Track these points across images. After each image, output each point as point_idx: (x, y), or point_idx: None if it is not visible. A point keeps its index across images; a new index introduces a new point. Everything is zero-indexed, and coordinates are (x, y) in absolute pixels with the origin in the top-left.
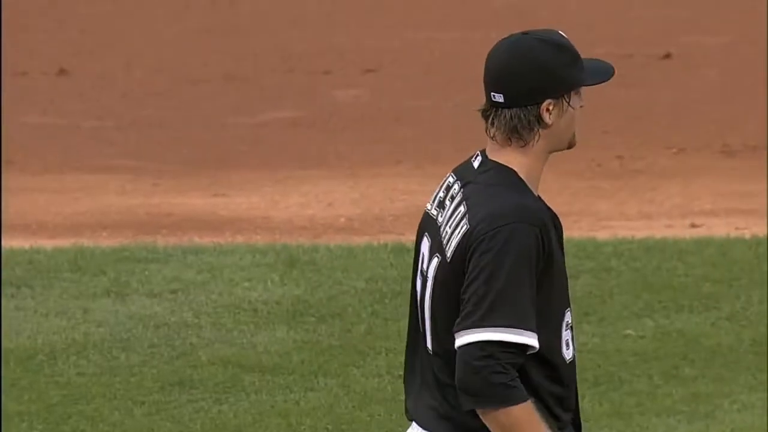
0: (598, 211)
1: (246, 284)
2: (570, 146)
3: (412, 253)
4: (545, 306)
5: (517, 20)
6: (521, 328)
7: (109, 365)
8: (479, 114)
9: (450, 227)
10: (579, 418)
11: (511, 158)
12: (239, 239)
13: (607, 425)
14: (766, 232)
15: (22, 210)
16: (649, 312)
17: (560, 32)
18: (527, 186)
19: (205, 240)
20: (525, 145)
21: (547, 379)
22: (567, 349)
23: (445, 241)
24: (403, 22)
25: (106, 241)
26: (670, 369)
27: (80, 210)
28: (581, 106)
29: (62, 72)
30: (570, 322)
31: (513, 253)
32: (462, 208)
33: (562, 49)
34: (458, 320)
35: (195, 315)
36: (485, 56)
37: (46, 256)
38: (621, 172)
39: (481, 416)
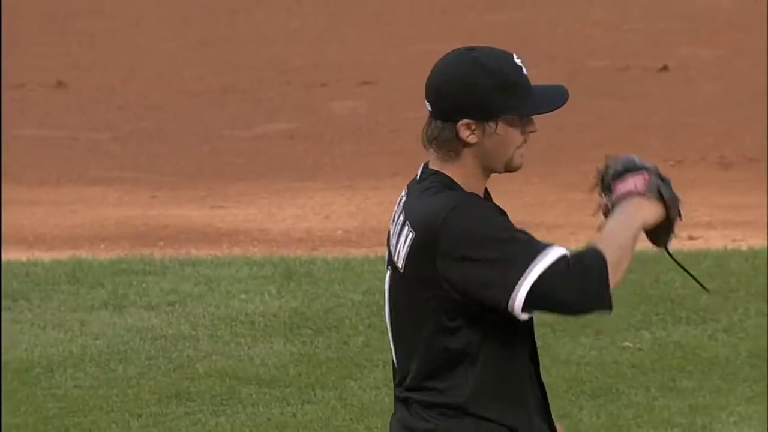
0: (595, 223)
1: (243, 296)
2: (509, 169)
3: None
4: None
5: (512, 34)
6: (542, 252)
7: (107, 377)
8: None
9: (397, 238)
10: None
11: (446, 168)
12: (236, 251)
13: None
14: (763, 244)
15: (20, 222)
16: (646, 324)
17: (512, 55)
18: (464, 189)
19: (203, 252)
20: (456, 158)
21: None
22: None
23: (395, 253)
24: (399, 34)
25: (104, 254)
26: (667, 381)
27: (78, 222)
28: (530, 131)
29: (60, 84)
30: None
31: (475, 223)
32: (401, 218)
33: (493, 74)
34: (495, 304)
35: (192, 327)
36: None
37: (44, 268)
38: None
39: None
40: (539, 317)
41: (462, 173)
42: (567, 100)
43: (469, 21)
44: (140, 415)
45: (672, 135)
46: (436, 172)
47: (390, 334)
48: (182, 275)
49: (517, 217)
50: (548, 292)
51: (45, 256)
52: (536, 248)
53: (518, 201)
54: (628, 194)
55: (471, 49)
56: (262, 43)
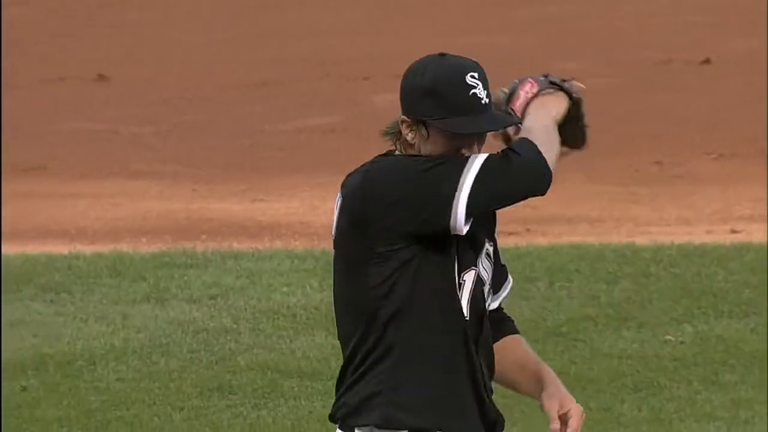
0: (637, 216)
1: (285, 289)
2: None
3: None
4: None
5: (562, 26)
6: (468, 162)
7: (149, 371)
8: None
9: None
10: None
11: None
12: (278, 244)
13: (647, 431)
14: None
15: (61, 216)
16: (688, 318)
17: (468, 71)
18: None
19: (244, 245)
20: (405, 151)
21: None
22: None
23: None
24: (440, 27)
25: (146, 247)
26: (710, 375)
27: (120, 215)
28: (461, 150)
29: (101, 78)
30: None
31: (394, 169)
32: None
33: (430, 81)
34: (436, 226)
35: (234, 320)
36: (532, 59)
37: (86, 261)
38: (660, 177)
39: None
40: (579, 311)
41: None
42: (490, 128)
43: (520, 13)
44: (182, 408)
45: (714, 128)
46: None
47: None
48: (224, 268)
49: (558, 210)
50: (488, 190)
51: (87, 249)
52: (461, 162)
53: (561, 194)
54: (526, 103)
55: (442, 54)
56: (304, 37)
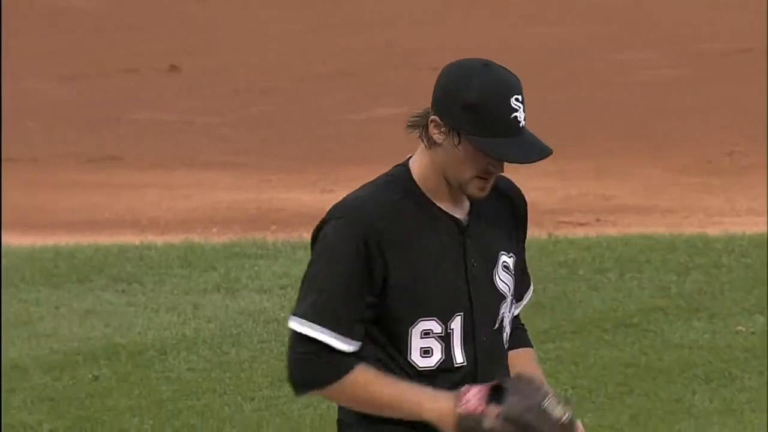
0: (708, 207)
1: None
2: (464, 192)
3: None
4: (386, 302)
5: (631, 16)
6: (310, 321)
7: (219, 361)
8: (585, 111)
9: None
10: None
11: (416, 158)
12: None
13: (718, 422)
14: None
15: (133, 206)
16: (760, 308)
17: (513, 93)
18: (404, 183)
19: None
20: (426, 150)
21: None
22: (423, 357)
23: None
24: (510, 17)
25: (216, 237)
26: None
27: (191, 206)
28: (491, 169)
29: (173, 68)
30: (435, 330)
31: (328, 249)
32: None
33: (476, 96)
34: None
35: None
36: (600, 50)
37: (157, 251)
38: (731, 168)
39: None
40: (649, 302)
41: (425, 166)
42: (529, 160)
43: (587, 3)
44: (253, 398)
45: None
46: (399, 164)
47: None
48: (294, 258)
49: (630, 200)
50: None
51: (158, 239)
52: (315, 311)
53: (632, 184)
54: (456, 402)
55: (486, 64)
56: (373, 27)
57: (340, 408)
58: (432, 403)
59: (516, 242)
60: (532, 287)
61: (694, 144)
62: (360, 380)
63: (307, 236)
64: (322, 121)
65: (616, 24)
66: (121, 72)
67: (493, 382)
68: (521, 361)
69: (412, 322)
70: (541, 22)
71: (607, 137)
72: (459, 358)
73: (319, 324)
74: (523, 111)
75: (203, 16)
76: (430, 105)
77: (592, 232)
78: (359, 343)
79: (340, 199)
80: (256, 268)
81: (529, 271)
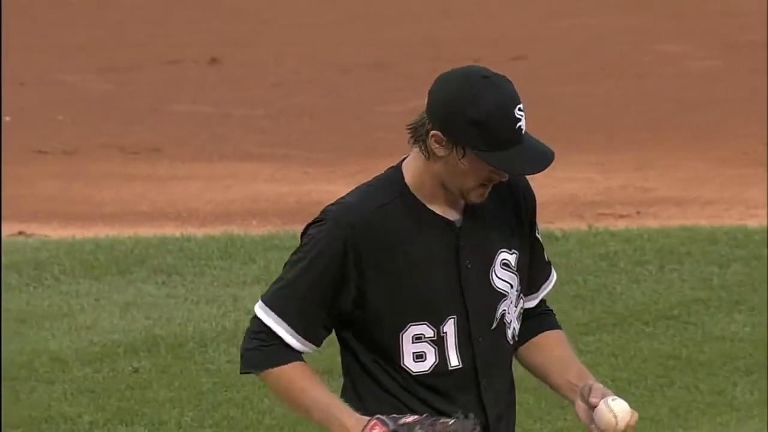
0: (748, 199)
1: None
2: (461, 195)
3: (562, 241)
4: (373, 308)
5: (664, 8)
6: (270, 308)
7: None
8: (624, 103)
9: None
10: None
11: (411, 162)
12: None
13: (758, 414)
14: None
15: (173, 198)
16: None
17: (514, 104)
18: (396, 187)
19: None
20: (427, 158)
21: (378, 383)
22: (416, 361)
23: None
24: (550, 8)
25: (256, 229)
26: None
27: (230, 198)
28: (495, 178)
29: (213, 61)
30: (427, 335)
31: (310, 248)
32: None
33: (480, 111)
34: None
35: None
36: (636, 41)
37: (197, 243)
38: None
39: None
40: (690, 294)
41: (421, 173)
42: (536, 170)
43: None
44: None
45: None
46: (395, 166)
47: None
48: None
49: (670, 192)
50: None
51: (198, 231)
52: (276, 299)
53: (673, 176)
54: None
55: (486, 76)
56: (414, 19)
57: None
58: (341, 423)
59: (520, 237)
60: (553, 276)
61: (734, 136)
62: (290, 375)
63: None
64: (364, 112)
65: (653, 15)
66: (161, 64)
67: (407, 419)
68: (550, 343)
69: (403, 327)
70: (576, 13)
71: (646, 129)
72: (454, 361)
73: (278, 314)
74: (525, 118)
75: (244, 9)
76: (424, 115)
77: (632, 224)
78: (312, 345)
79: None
80: None
81: (550, 259)
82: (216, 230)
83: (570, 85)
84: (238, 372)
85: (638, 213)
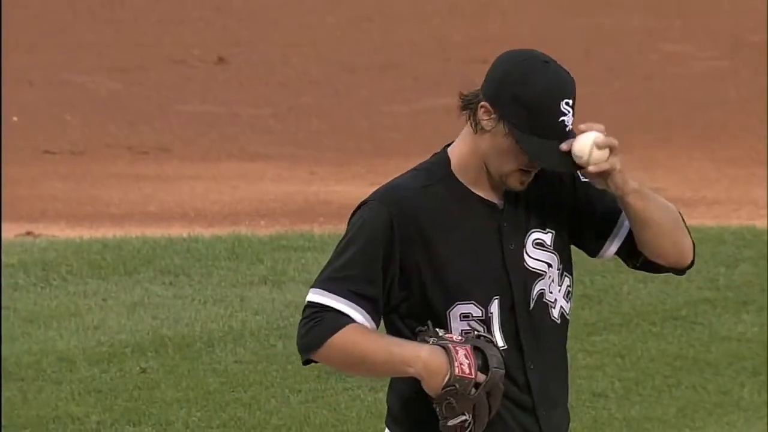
0: (757, 199)
1: None
2: (500, 179)
3: None
4: (419, 285)
5: (673, 7)
6: (323, 289)
7: (266, 353)
8: (633, 103)
9: None
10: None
11: (458, 143)
12: None
13: (767, 415)
14: None
15: (180, 198)
16: None
17: (564, 97)
18: (441, 170)
19: None
20: (475, 132)
21: None
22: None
23: None
24: (558, 8)
25: (264, 230)
26: None
27: (238, 198)
28: (531, 164)
29: (220, 60)
30: (475, 314)
31: (356, 227)
32: None
33: (531, 94)
34: None
35: None
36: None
37: (204, 244)
38: None
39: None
40: (698, 294)
41: (466, 154)
42: (564, 168)
43: None
44: (299, 391)
45: None
46: (440, 151)
47: None
48: None
49: (678, 192)
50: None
51: (205, 232)
52: (330, 280)
53: (680, 176)
54: (450, 362)
55: (546, 62)
56: (421, 18)
57: (389, 399)
58: (421, 354)
59: (557, 215)
60: (624, 219)
61: (741, 136)
62: (350, 336)
63: None
64: (371, 112)
65: (660, 15)
66: (169, 64)
67: (472, 343)
68: None
69: (450, 305)
70: (586, 13)
71: (654, 129)
72: (499, 341)
73: (326, 290)
74: (572, 115)
75: (252, 9)
76: (481, 86)
77: None
78: (365, 313)
79: None
80: (303, 261)
81: (609, 203)
82: (223, 230)
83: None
84: (247, 372)
85: None
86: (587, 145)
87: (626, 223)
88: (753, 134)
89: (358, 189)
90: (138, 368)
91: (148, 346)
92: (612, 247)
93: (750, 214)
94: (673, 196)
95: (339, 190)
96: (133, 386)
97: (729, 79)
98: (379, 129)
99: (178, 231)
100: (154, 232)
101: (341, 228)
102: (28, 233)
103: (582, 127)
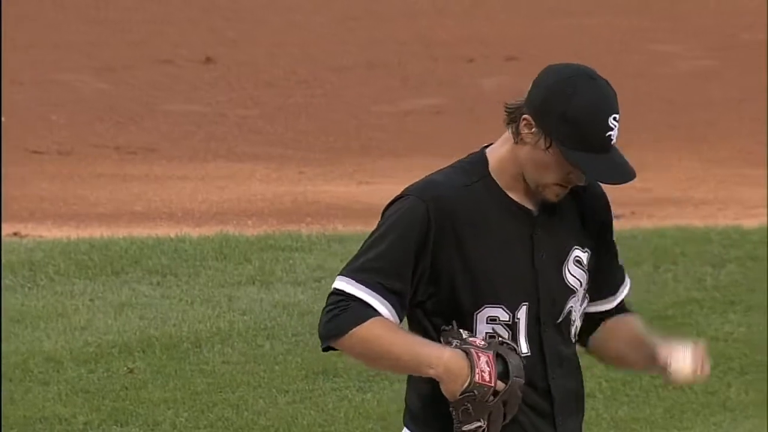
0: (744, 198)
1: None
2: (536, 189)
3: None
4: (449, 284)
5: (662, 7)
6: (351, 279)
7: (254, 353)
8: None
9: None
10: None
11: (498, 147)
12: None
13: (754, 414)
14: None
15: (168, 198)
16: None
17: (611, 114)
18: (479, 170)
19: (350, 228)
20: (515, 142)
21: None
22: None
23: None
24: (545, 8)
25: (251, 230)
26: None
27: (225, 198)
28: (573, 179)
29: (208, 60)
30: (502, 318)
31: (390, 219)
32: None
33: (576, 109)
34: None
35: None
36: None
37: (192, 244)
38: None
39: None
40: (684, 294)
41: (505, 159)
42: (613, 181)
43: None
44: (287, 391)
45: None
46: (479, 151)
47: None
48: (329, 251)
49: (666, 192)
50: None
51: (193, 232)
52: (359, 268)
53: (667, 176)
54: (471, 367)
55: (593, 78)
56: (409, 18)
57: (408, 397)
58: (443, 357)
59: (590, 237)
60: (628, 280)
61: (728, 136)
62: (374, 329)
63: (342, 228)
64: (359, 112)
65: (646, 15)
66: (156, 64)
67: (494, 349)
68: (627, 322)
69: (478, 307)
70: (573, 13)
71: (642, 129)
72: (524, 348)
73: (354, 279)
74: (618, 130)
75: (239, 8)
76: (524, 99)
77: (627, 224)
78: (390, 307)
79: (376, 191)
80: (290, 261)
81: (623, 264)
82: (211, 230)
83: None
84: (234, 372)
85: (633, 213)
86: (686, 368)
87: (627, 290)
88: (740, 134)
89: (346, 189)
90: (125, 368)
91: (135, 347)
92: (607, 306)
93: (737, 214)
94: (661, 196)
95: (327, 190)
96: (120, 387)
97: (716, 79)
98: (366, 129)
99: (166, 231)
100: (142, 232)
101: (329, 228)
102: (15, 234)
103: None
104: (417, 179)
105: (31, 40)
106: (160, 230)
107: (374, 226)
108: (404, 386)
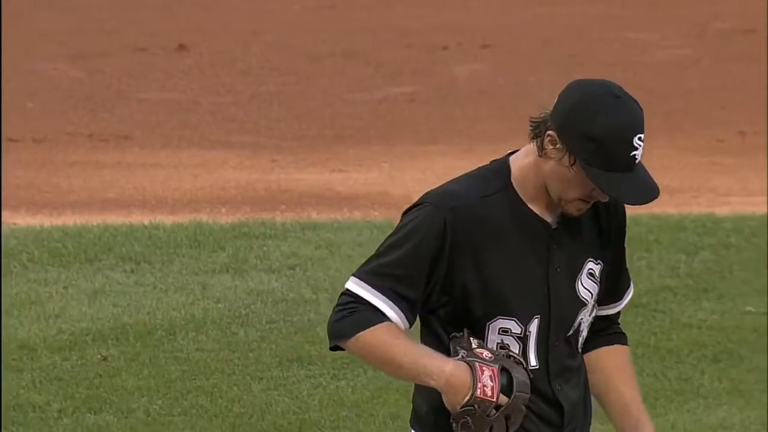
0: (718, 186)
1: (363, 260)
2: (559, 202)
3: None
4: (463, 293)
5: None
6: (365, 282)
7: (228, 341)
8: None
9: None
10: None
11: (522, 155)
12: (357, 215)
13: (727, 402)
14: None
15: (141, 186)
16: None
17: (637, 132)
18: (500, 180)
19: (323, 216)
20: (539, 155)
21: None
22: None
23: None
24: None
25: (225, 217)
26: None
27: (199, 186)
28: (596, 196)
29: (181, 48)
30: (514, 330)
31: (408, 227)
32: None
33: (601, 129)
34: None
35: (313, 291)
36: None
37: (165, 231)
38: (743, 147)
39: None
40: (658, 281)
41: (528, 170)
42: (639, 202)
43: None
44: (261, 379)
45: None
46: (502, 159)
47: None
48: (303, 239)
49: None
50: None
51: (167, 219)
52: (373, 273)
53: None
54: (474, 381)
55: (618, 96)
56: (383, 6)
57: (415, 399)
58: (445, 369)
59: (606, 247)
60: (632, 287)
61: (703, 124)
62: (381, 335)
63: (316, 216)
64: (333, 100)
65: (622, 3)
66: (129, 51)
67: (500, 363)
68: (615, 359)
69: (491, 318)
70: (548, 1)
71: None
72: (533, 361)
73: (367, 283)
74: (642, 149)
75: None
76: (550, 112)
77: None
78: (401, 313)
79: (350, 179)
80: (264, 249)
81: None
82: (184, 218)
83: (538, 73)
84: (208, 360)
85: None
86: None
87: (630, 295)
88: (715, 123)
89: (320, 177)
90: (99, 356)
91: (109, 334)
92: (611, 310)
93: (711, 202)
94: None
95: (300, 178)
96: (94, 374)
97: (691, 68)
98: (340, 117)
99: (139, 218)
100: (115, 219)
101: (303, 215)
102: None
103: None
104: (390, 167)
105: (4, 28)
106: (134, 218)
107: (347, 213)
108: (378, 374)
